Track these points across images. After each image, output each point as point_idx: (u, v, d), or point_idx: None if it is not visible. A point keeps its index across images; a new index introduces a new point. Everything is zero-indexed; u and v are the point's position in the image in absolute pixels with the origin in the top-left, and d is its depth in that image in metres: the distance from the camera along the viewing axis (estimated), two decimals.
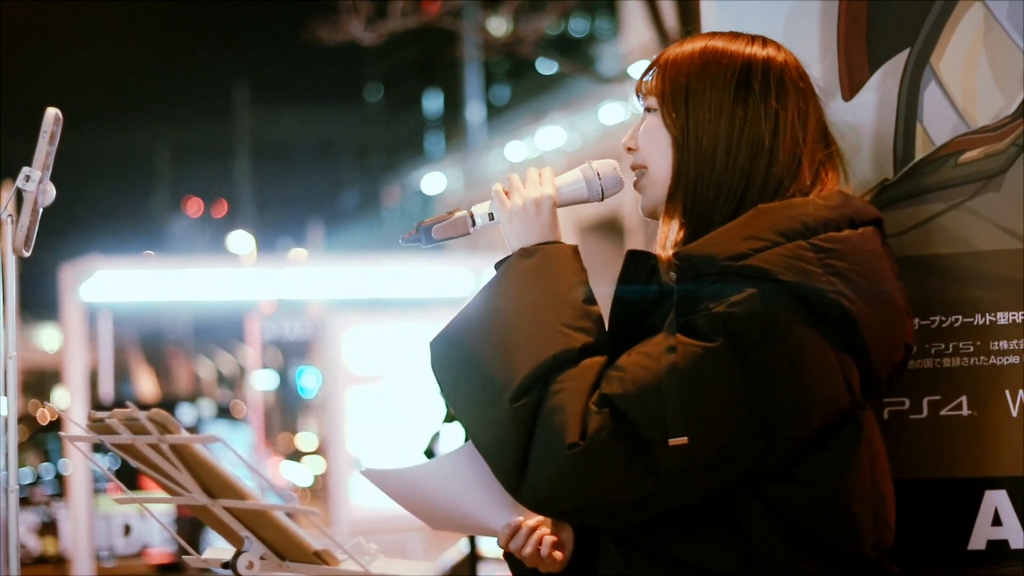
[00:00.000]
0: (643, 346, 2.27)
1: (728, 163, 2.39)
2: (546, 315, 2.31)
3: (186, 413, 15.50)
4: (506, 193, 2.47)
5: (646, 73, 2.49)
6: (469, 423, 2.32)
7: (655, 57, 2.51)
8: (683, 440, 2.19)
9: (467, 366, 2.32)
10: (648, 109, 2.47)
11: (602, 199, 2.51)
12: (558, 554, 2.44)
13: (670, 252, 2.34)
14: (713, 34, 2.49)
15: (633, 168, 2.50)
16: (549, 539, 2.42)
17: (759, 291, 2.23)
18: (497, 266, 2.42)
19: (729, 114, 2.40)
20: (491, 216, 2.49)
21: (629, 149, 2.49)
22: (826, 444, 2.28)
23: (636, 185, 2.50)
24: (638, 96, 2.50)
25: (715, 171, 2.39)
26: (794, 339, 2.24)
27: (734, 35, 2.48)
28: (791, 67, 2.45)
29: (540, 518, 2.43)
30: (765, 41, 2.47)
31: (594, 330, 2.32)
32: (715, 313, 2.22)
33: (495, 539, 2.47)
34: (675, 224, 2.42)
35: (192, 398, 20.42)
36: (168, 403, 17.80)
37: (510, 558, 2.49)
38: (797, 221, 2.31)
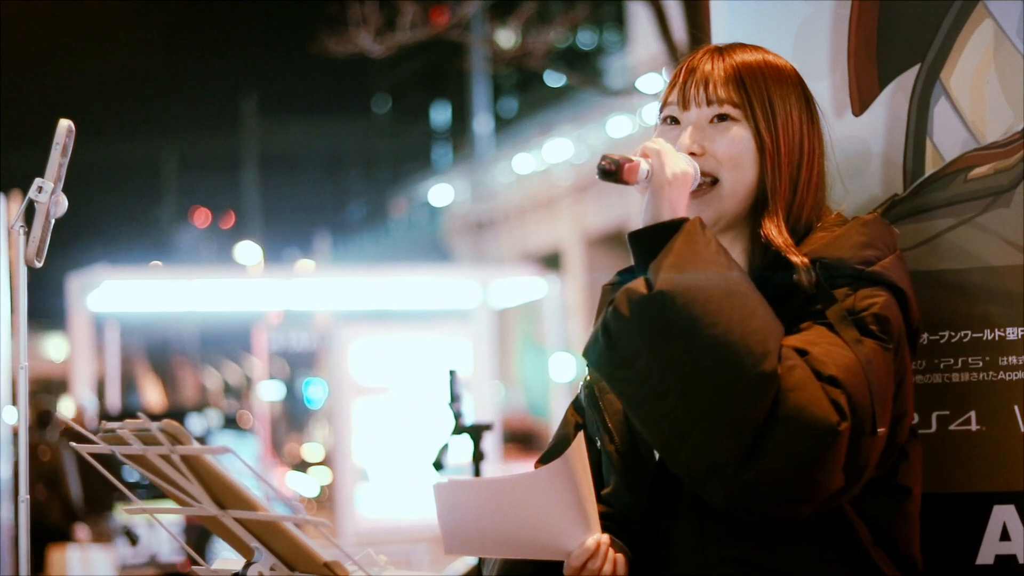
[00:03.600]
0: (814, 335, 2.23)
1: (809, 176, 2.42)
2: (752, 289, 2.25)
3: (193, 423, 15.48)
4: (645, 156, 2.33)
5: (698, 82, 2.42)
6: (698, 388, 2.17)
7: (687, 63, 2.46)
8: (884, 430, 2.22)
9: (710, 331, 2.16)
10: (725, 118, 2.41)
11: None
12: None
13: (803, 256, 2.32)
14: (742, 46, 2.48)
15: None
16: (622, 558, 2.32)
17: (891, 296, 2.30)
18: (635, 235, 2.27)
19: (808, 128, 2.44)
20: (647, 175, 2.33)
21: (692, 154, 2.40)
22: (905, 453, 2.35)
23: (696, 195, 2.39)
24: (686, 103, 2.43)
25: (800, 183, 2.41)
26: (907, 344, 2.33)
27: (755, 47, 2.49)
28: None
29: (608, 537, 2.30)
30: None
31: None
32: (874, 314, 2.26)
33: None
34: (778, 229, 2.37)
35: (199, 408, 20.39)
36: (175, 413, 17.77)
37: None
38: (889, 234, 2.39)
